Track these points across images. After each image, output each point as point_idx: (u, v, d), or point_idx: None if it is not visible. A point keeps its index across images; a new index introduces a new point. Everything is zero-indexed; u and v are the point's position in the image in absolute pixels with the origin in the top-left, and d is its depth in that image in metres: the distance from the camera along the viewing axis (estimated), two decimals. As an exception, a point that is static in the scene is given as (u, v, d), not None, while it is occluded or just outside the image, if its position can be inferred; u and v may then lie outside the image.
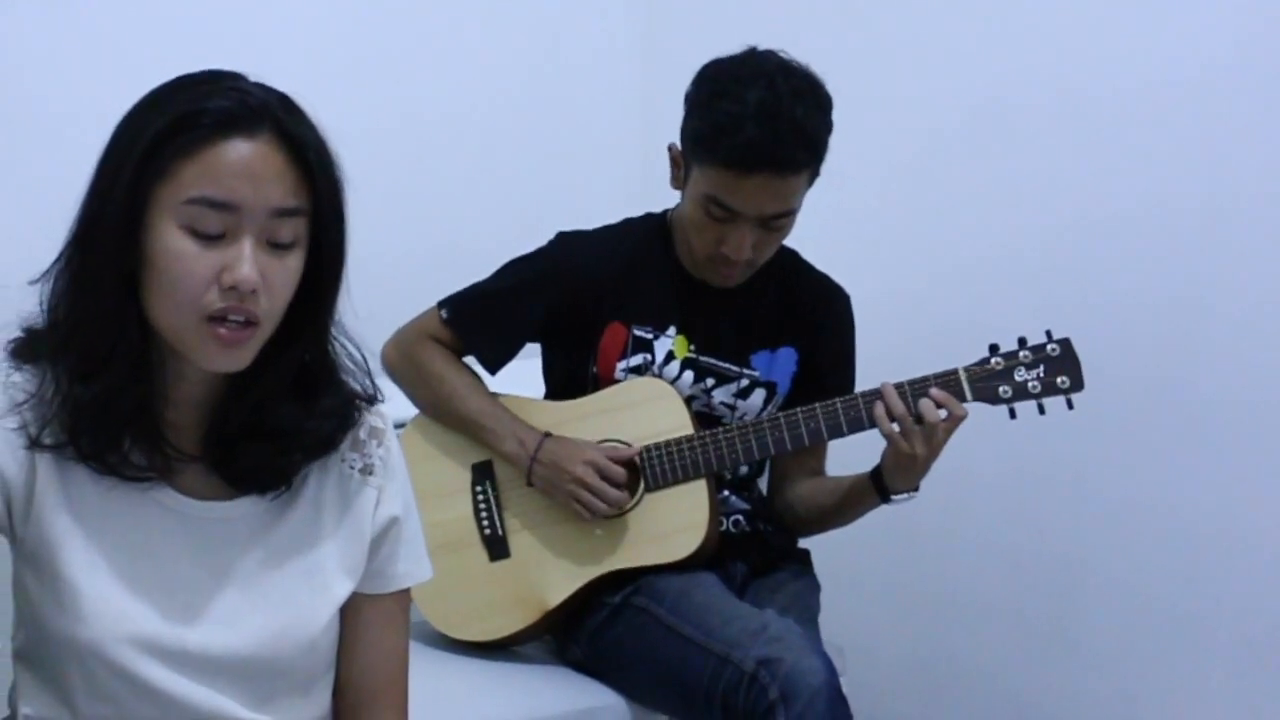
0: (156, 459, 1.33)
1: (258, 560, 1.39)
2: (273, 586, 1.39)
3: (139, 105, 1.30)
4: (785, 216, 2.09)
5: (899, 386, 2.03)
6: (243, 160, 1.24)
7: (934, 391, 2.01)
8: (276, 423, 1.36)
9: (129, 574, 1.33)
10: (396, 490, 1.48)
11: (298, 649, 1.40)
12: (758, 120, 1.99)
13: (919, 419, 1.99)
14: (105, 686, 1.33)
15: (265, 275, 1.26)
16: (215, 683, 1.36)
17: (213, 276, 1.24)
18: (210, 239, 1.24)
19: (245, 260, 1.24)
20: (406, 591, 1.51)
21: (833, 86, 2.10)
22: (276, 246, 1.27)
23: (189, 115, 1.25)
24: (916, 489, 2.11)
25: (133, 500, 1.34)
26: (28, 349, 1.33)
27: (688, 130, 2.09)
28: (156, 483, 1.34)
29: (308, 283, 1.33)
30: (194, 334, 1.27)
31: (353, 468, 1.44)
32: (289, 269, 1.29)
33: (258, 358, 1.33)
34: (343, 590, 1.44)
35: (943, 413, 2.00)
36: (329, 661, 1.46)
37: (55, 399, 1.29)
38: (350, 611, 1.46)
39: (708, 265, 2.15)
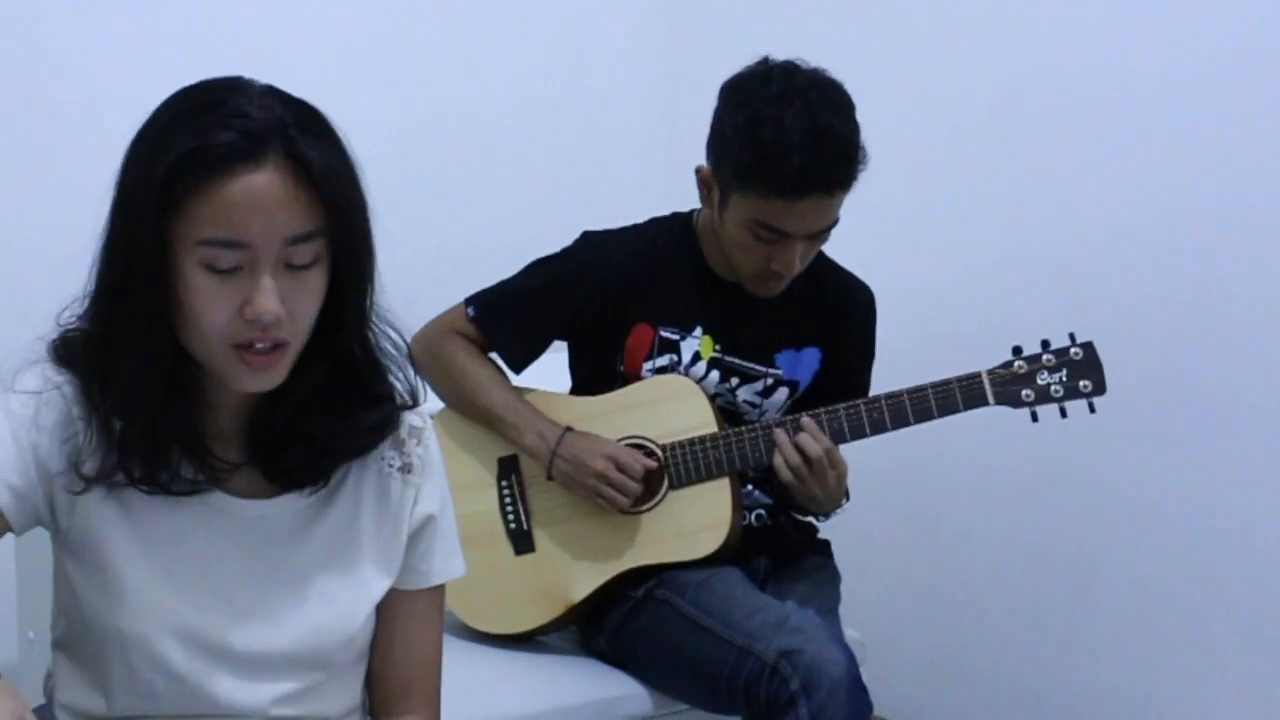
0: (204, 470, 1.35)
1: (298, 557, 1.40)
2: (313, 583, 1.40)
3: (149, 128, 1.28)
4: (832, 226, 2.09)
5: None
6: (249, 196, 1.22)
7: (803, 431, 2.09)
8: (313, 430, 1.37)
9: (173, 569, 1.35)
10: (434, 488, 1.48)
11: (336, 645, 1.42)
12: (804, 147, 1.97)
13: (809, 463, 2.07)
14: (145, 680, 1.35)
15: (287, 299, 1.25)
16: (254, 678, 1.38)
17: (234, 309, 1.24)
18: (228, 273, 1.24)
19: (264, 293, 1.23)
20: (441, 587, 1.52)
21: (854, 85, 2.09)
22: (295, 268, 1.26)
23: (194, 151, 1.22)
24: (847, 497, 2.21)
25: (179, 500, 1.35)
26: (66, 354, 1.34)
27: (726, 159, 2.06)
28: (203, 486, 1.36)
29: (334, 293, 1.32)
30: (223, 361, 1.27)
31: (391, 466, 1.45)
32: (310, 288, 1.28)
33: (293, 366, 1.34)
34: (380, 587, 1.45)
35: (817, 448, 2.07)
36: (363, 653, 1.48)
37: (98, 429, 1.30)
38: (385, 606, 1.47)
39: (754, 280, 2.15)
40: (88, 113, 2.63)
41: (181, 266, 1.24)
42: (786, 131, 1.98)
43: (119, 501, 1.33)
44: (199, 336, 1.26)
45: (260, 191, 1.22)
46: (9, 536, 1.33)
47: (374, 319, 1.38)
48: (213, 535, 1.37)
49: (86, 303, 1.32)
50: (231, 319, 1.24)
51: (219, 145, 1.22)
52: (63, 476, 1.32)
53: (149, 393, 1.29)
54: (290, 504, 1.40)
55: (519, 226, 2.45)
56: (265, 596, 1.38)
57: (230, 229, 1.22)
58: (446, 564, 1.51)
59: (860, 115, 2.07)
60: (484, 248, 2.50)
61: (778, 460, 2.08)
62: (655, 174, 3.10)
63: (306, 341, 1.32)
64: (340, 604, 1.42)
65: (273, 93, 1.29)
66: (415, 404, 1.47)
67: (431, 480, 1.48)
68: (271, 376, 1.29)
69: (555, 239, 2.29)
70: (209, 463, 1.35)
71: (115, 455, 1.31)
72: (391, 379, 1.43)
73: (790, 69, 2.06)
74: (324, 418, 1.36)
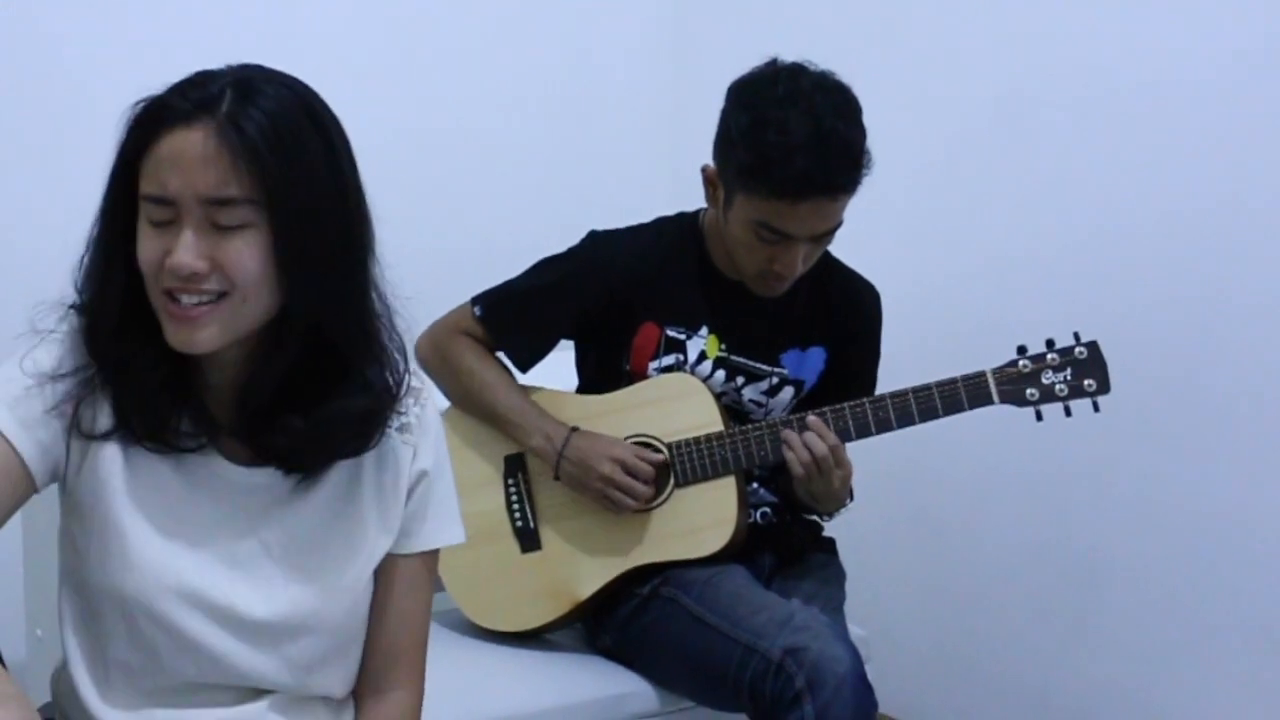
0: (204, 428, 1.37)
1: (300, 521, 1.42)
2: (315, 547, 1.42)
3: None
4: (836, 229, 2.10)
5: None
6: (173, 153, 1.27)
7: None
8: (291, 423, 1.37)
9: (175, 531, 1.37)
10: (429, 446, 1.49)
11: (340, 608, 1.44)
12: (807, 150, 1.97)
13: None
14: (145, 636, 1.36)
15: (214, 255, 1.27)
16: (259, 645, 1.39)
17: (162, 258, 1.28)
18: (162, 226, 1.28)
19: (180, 247, 1.27)
20: (434, 555, 1.53)
21: (859, 85, 2.09)
22: (223, 228, 1.28)
23: (146, 111, 1.29)
24: (851, 497, 2.21)
25: (184, 463, 1.38)
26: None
27: (731, 160, 2.06)
28: (206, 449, 1.38)
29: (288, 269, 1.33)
30: (160, 313, 1.31)
31: (389, 426, 1.45)
32: (241, 250, 1.28)
33: (276, 340, 1.35)
34: (381, 547, 1.46)
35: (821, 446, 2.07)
36: (364, 622, 1.48)
37: (101, 384, 1.34)
38: (380, 571, 1.48)
39: (757, 280, 2.15)
40: (93, 109, 2.64)
41: (139, 221, 1.30)
42: (790, 134, 1.98)
43: (125, 462, 1.36)
44: (146, 287, 1.31)
45: (183, 149, 1.27)
46: (16, 532, 1.35)
47: (375, 311, 1.39)
48: (216, 500, 1.39)
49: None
50: (160, 269, 1.28)
51: (166, 108, 1.29)
52: (78, 425, 1.35)
53: (123, 344, 1.33)
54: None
55: (526, 226, 2.45)
56: (267, 560, 1.40)
57: (155, 185, 1.28)
58: (442, 529, 1.52)
59: (865, 115, 2.06)
60: (491, 247, 2.51)
61: (790, 457, 2.08)
62: (662, 174, 3.11)
63: (274, 316, 1.34)
64: (343, 564, 1.43)
65: (254, 71, 1.33)
66: (397, 395, 1.45)
67: (428, 438, 1.49)
68: (199, 333, 1.30)
69: (562, 239, 2.29)
70: (207, 419, 1.37)
71: (116, 415, 1.34)
72: (385, 371, 1.42)
73: (797, 71, 2.06)
74: (299, 413, 1.37)
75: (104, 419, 1.35)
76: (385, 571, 1.48)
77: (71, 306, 1.37)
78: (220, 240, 1.28)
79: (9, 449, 1.30)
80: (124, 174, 1.30)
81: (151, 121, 1.28)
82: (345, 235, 1.35)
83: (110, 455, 1.35)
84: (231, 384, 1.39)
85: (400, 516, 1.47)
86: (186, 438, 1.36)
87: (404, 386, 1.45)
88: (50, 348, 1.36)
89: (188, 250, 1.26)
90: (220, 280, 1.28)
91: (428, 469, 1.49)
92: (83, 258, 1.35)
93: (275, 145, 1.28)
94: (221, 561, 1.38)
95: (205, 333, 1.30)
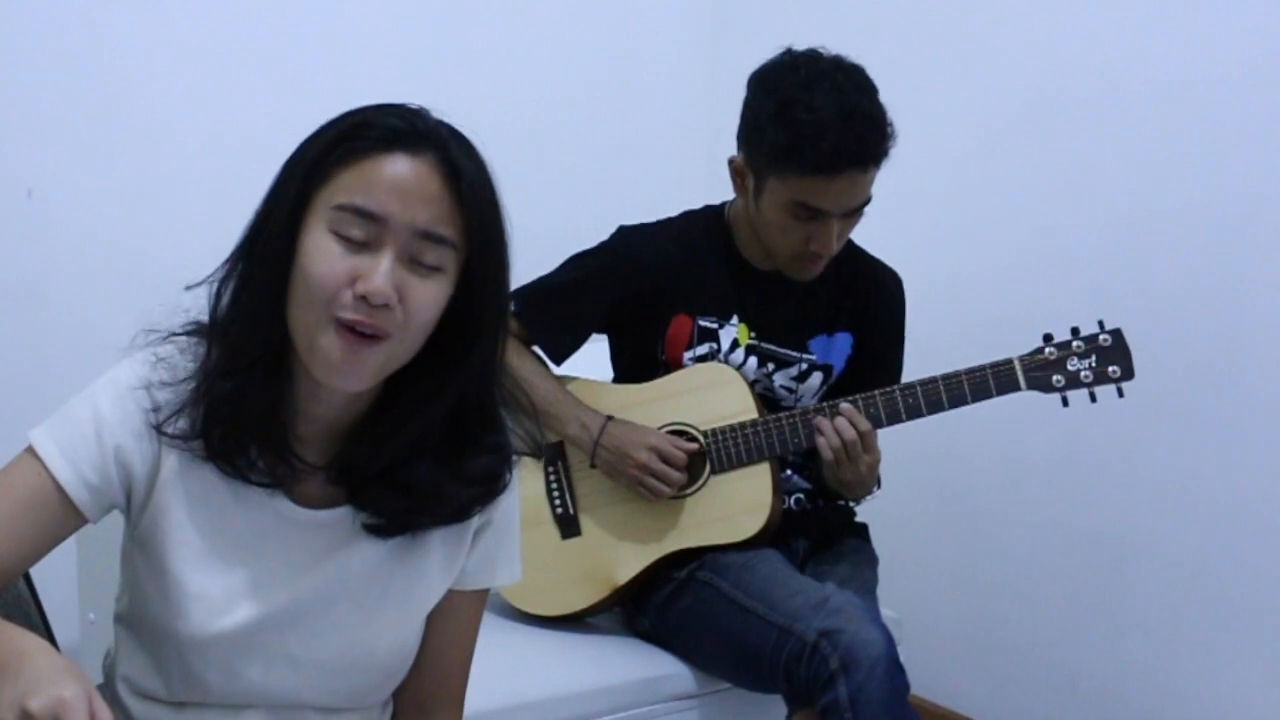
0: (281, 468, 1.33)
1: (363, 561, 1.39)
2: (376, 587, 1.40)
3: (323, 125, 1.30)
4: (866, 204, 2.13)
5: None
6: (397, 175, 1.23)
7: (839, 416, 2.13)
8: (413, 479, 1.34)
9: (236, 575, 1.35)
10: (505, 498, 1.45)
11: (391, 648, 1.44)
12: (836, 125, 2.02)
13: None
14: (198, 674, 1.36)
15: (402, 291, 1.23)
16: (309, 679, 1.40)
17: (348, 279, 1.22)
18: (354, 244, 1.23)
19: (380, 273, 1.22)
20: (486, 590, 1.52)
21: (890, 78, 2.13)
22: (419, 265, 1.24)
23: (359, 126, 1.25)
24: (879, 485, 2.24)
25: (248, 505, 1.35)
26: (193, 334, 1.35)
27: (761, 145, 2.10)
28: (274, 491, 1.35)
29: (458, 325, 1.30)
30: (320, 335, 1.24)
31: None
32: (429, 292, 1.25)
33: (399, 398, 1.33)
34: (440, 589, 1.45)
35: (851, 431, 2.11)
36: (412, 657, 1.49)
37: (194, 390, 1.30)
38: (439, 602, 1.48)
39: (793, 263, 2.19)
40: (152, 118, 2.70)
41: (312, 232, 1.24)
42: (819, 112, 2.03)
43: (191, 507, 1.34)
44: (306, 303, 1.24)
45: (408, 175, 1.23)
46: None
47: (502, 381, 1.38)
48: (282, 543, 1.37)
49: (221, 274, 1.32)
50: (341, 289, 1.22)
51: (383, 126, 1.25)
52: (142, 474, 1.32)
53: (248, 361, 1.28)
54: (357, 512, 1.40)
55: (564, 224, 2.48)
56: (327, 600, 1.39)
57: (368, 199, 1.22)
58: (504, 569, 1.51)
59: (896, 108, 2.10)
60: (529, 245, 2.54)
61: (821, 442, 2.12)
62: (698, 170, 3.13)
63: (416, 377, 1.31)
64: (401, 606, 1.43)
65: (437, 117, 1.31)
66: (538, 455, 1.46)
67: (505, 492, 1.45)
68: (359, 368, 1.25)
69: (599, 236, 2.33)
70: (287, 459, 1.33)
71: (199, 423, 1.30)
72: (510, 432, 1.41)
73: (814, 56, 2.11)
74: (425, 467, 1.34)
75: (183, 422, 1.31)
76: (445, 604, 1.47)
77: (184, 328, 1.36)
78: (411, 278, 1.24)
79: (58, 490, 1.28)
80: (305, 186, 1.25)
81: (364, 138, 1.24)
82: (507, 300, 1.35)
83: (174, 500, 1.33)
84: (329, 433, 1.35)
85: (462, 560, 1.46)
86: (260, 471, 1.33)
87: (539, 448, 1.44)
88: (118, 388, 1.32)
89: (387, 277, 1.22)
90: (394, 320, 1.24)
91: (493, 519, 1.46)
92: (223, 279, 1.30)
93: (487, 199, 1.28)
94: (281, 605, 1.36)
95: (367, 368, 1.26)
